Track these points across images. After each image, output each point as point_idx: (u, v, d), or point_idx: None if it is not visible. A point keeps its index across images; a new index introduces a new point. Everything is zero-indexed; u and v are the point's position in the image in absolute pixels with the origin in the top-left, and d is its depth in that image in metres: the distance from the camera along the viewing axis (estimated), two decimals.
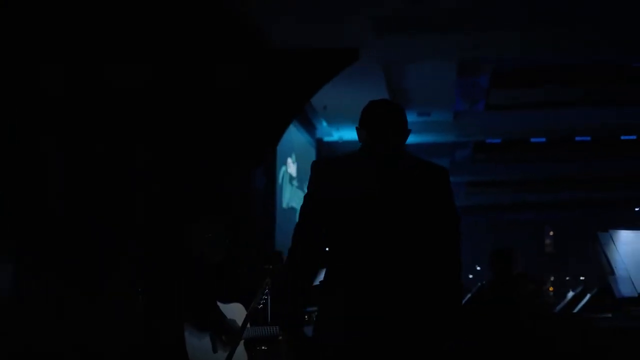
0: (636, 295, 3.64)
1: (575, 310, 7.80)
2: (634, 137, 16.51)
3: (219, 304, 4.90)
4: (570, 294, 9.88)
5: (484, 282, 7.47)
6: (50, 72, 5.44)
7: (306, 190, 3.40)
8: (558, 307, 9.73)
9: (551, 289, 17.78)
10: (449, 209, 3.19)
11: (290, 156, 12.27)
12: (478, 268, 14.64)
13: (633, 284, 3.66)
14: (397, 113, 3.24)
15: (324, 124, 13.71)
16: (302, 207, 3.38)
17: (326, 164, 3.38)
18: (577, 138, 16.74)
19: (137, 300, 4.95)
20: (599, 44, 10.40)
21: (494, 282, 7.62)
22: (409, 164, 3.21)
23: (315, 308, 5.69)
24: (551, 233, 23.76)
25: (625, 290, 3.66)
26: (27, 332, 4.79)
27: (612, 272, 3.72)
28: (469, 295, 8.77)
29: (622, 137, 16.62)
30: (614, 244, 3.81)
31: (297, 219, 3.39)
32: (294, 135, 12.44)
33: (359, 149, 3.27)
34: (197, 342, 4.74)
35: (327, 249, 3.26)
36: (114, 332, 5.28)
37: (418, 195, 3.15)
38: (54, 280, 5.14)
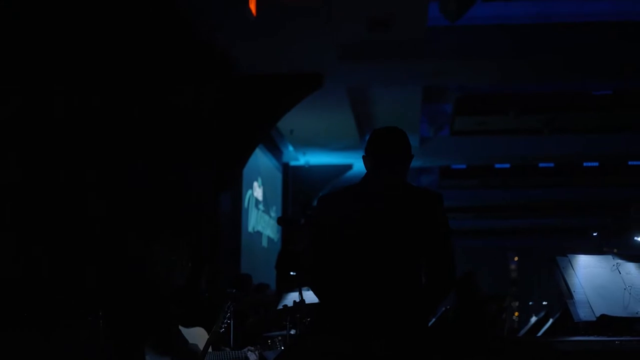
0: (594, 319, 3.67)
1: (538, 334, 7.84)
2: (596, 164, 16.76)
3: (180, 328, 4.87)
4: (533, 319, 9.94)
5: (448, 307, 7.51)
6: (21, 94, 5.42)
7: (278, 215, 3.55)
8: (521, 332, 9.78)
9: (516, 314, 17.88)
10: (443, 234, 3.33)
11: (257, 180, 12.26)
12: None
13: (591, 307, 3.70)
14: (398, 141, 3.34)
15: (290, 148, 13.74)
16: (307, 241, 3.54)
17: (329, 198, 3.49)
18: (541, 164, 16.95)
19: (98, 324, 4.90)
20: (560, 72, 10.59)
21: (458, 306, 7.66)
22: (405, 192, 3.33)
23: (277, 333, 5.69)
24: (516, 259, 23.94)
25: (583, 314, 3.70)
26: None
27: (571, 296, 3.75)
28: (433, 320, 8.79)
29: (585, 164, 16.87)
30: (573, 268, 3.85)
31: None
32: (260, 159, 12.45)
33: (362, 177, 3.39)
34: None
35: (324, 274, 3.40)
36: (75, 358, 5.21)
37: (413, 222, 3.29)
38: (12, 304, 5.08)
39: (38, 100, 5.68)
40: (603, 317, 3.63)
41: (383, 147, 3.33)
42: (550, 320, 7.79)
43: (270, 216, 13.07)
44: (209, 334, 4.94)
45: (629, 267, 3.88)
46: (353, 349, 3.22)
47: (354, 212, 3.31)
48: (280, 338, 5.39)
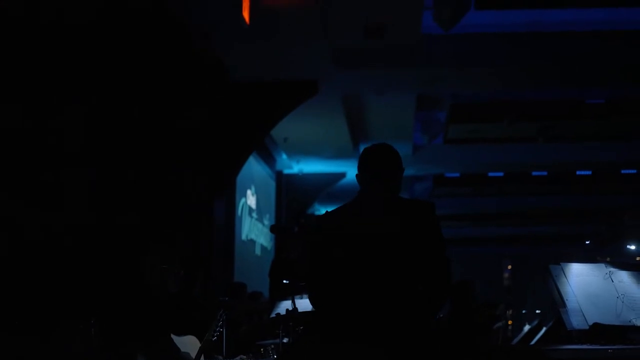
0: (587, 327, 3.67)
1: (531, 343, 7.83)
2: (589, 172, 16.79)
3: (172, 336, 4.85)
4: (527, 327, 9.94)
5: (441, 315, 7.50)
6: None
7: (272, 223, 3.65)
8: (514, 341, 9.77)
9: (510, 322, 17.85)
10: (438, 242, 3.42)
11: (250, 188, 12.25)
12: None
13: (584, 316, 3.70)
14: (390, 156, 3.47)
15: (284, 156, 13.73)
16: (302, 251, 3.66)
17: (326, 214, 3.59)
18: (535, 172, 16.97)
19: (90, 332, 4.88)
20: (556, 80, 10.61)
21: (452, 314, 7.67)
22: (400, 204, 3.45)
23: (270, 341, 5.67)
24: (509, 267, 23.94)
25: (576, 322, 3.69)
26: None
27: (564, 305, 3.75)
28: None
29: (578, 173, 16.89)
30: (565, 276, 3.85)
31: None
32: (254, 167, 12.44)
33: (357, 194, 3.50)
34: None
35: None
36: None
37: (408, 232, 3.37)
38: (4, 312, 5.05)
39: (37, 104, 5.68)
40: (596, 326, 3.63)
41: (375, 163, 3.45)
42: (544, 329, 7.79)
43: (263, 224, 13.04)
44: (201, 343, 4.92)
45: (622, 275, 3.88)
46: (351, 355, 3.24)
47: (352, 225, 3.41)
48: (273, 347, 5.37)
